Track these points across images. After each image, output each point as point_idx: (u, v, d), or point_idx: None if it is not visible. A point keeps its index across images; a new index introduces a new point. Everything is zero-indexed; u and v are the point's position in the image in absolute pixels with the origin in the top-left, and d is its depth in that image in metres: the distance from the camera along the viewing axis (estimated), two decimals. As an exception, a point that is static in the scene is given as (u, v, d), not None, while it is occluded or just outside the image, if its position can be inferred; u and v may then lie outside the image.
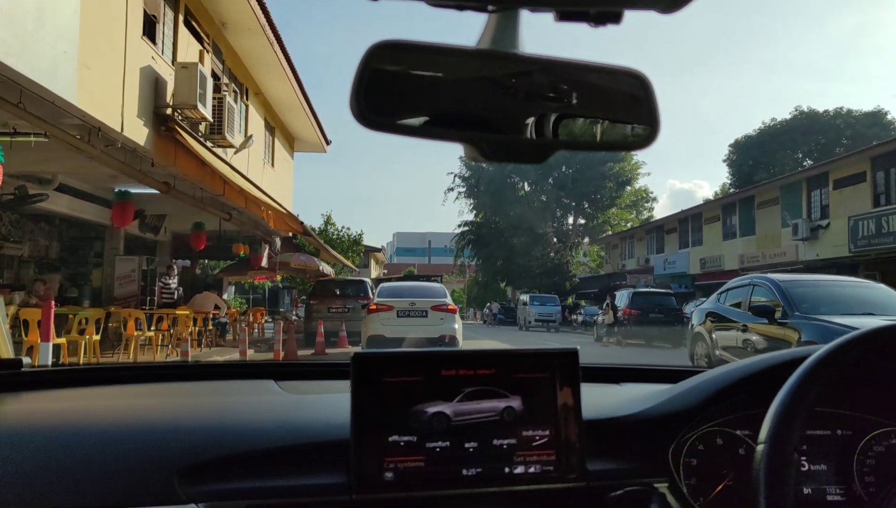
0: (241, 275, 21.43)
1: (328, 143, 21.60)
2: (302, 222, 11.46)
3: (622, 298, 20.86)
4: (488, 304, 46.10)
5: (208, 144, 10.98)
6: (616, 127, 0.79)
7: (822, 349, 0.96)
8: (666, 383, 1.42)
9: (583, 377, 1.15)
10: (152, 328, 10.92)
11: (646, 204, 49.44)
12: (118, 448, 1.02)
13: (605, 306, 22.39)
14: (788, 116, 42.25)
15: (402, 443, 1.05)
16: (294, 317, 18.78)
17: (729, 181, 45.18)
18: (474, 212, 49.33)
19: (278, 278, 25.14)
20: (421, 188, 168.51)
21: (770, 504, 0.84)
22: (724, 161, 46.99)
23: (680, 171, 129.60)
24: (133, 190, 12.45)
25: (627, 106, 0.76)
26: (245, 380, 1.54)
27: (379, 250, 49.61)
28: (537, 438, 1.10)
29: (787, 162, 39.49)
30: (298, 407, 1.26)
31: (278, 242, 18.99)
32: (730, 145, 45.40)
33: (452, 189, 49.65)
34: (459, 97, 0.71)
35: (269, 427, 1.12)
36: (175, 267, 14.85)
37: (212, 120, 10.44)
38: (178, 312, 11.78)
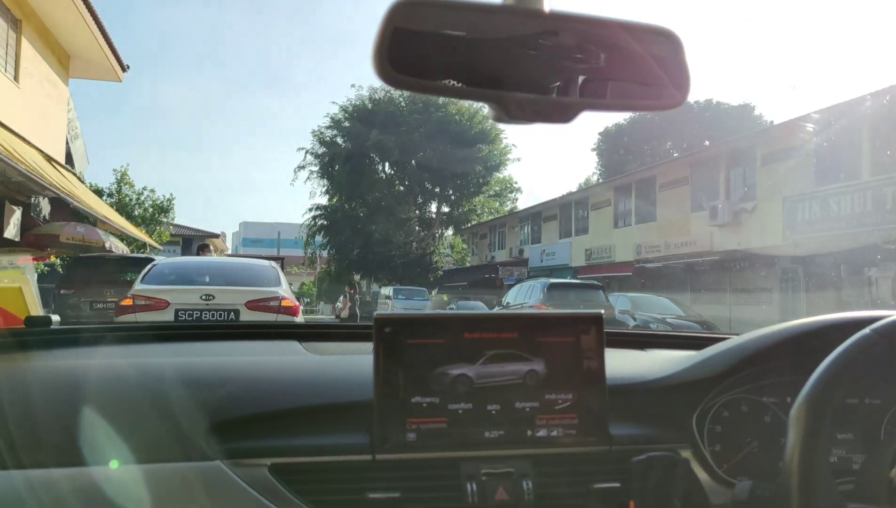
0: (-14, 253, 14.54)
1: (124, 68, 15.41)
2: None
3: (531, 291, 16.15)
4: (341, 298, 40.87)
5: None
6: (645, 86, 0.76)
7: (885, 319, 0.95)
8: (691, 349, 1.40)
9: (606, 342, 1.14)
10: None
11: (510, 194, 46.15)
12: (145, 406, 1.03)
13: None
14: (660, 106, 41.04)
15: (424, 404, 1.06)
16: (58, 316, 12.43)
17: (598, 172, 43.87)
18: (328, 195, 43.54)
19: (53, 258, 18.24)
20: (270, 175, 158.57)
21: (804, 474, 0.85)
22: (593, 150, 45.87)
23: (526, 171, 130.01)
24: None
25: (656, 65, 0.74)
26: (269, 341, 1.53)
27: (217, 236, 42.19)
28: (560, 401, 1.11)
29: (659, 152, 38.62)
30: (322, 368, 1.26)
31: (43, 205, 12.71)
32: (599, 134, 44.44)
33: (304, 167, 43.17)
34: (485, 55, 0.69)
35: (294, 387, 1.13)
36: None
37: None
38: None
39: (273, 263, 7.52)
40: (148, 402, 1.04)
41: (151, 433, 1.00)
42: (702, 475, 1.14)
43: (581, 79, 0.72)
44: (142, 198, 23.96)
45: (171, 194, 25.08)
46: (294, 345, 1.44)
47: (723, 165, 20.24)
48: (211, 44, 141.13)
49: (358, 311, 18.41)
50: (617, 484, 1.09)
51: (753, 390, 1.22)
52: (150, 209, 23.83)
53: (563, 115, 0.71)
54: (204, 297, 6.17)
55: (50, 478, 0.93)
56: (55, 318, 1.41)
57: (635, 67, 0.73)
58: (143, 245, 17.57)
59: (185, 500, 0.96)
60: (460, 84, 0.69)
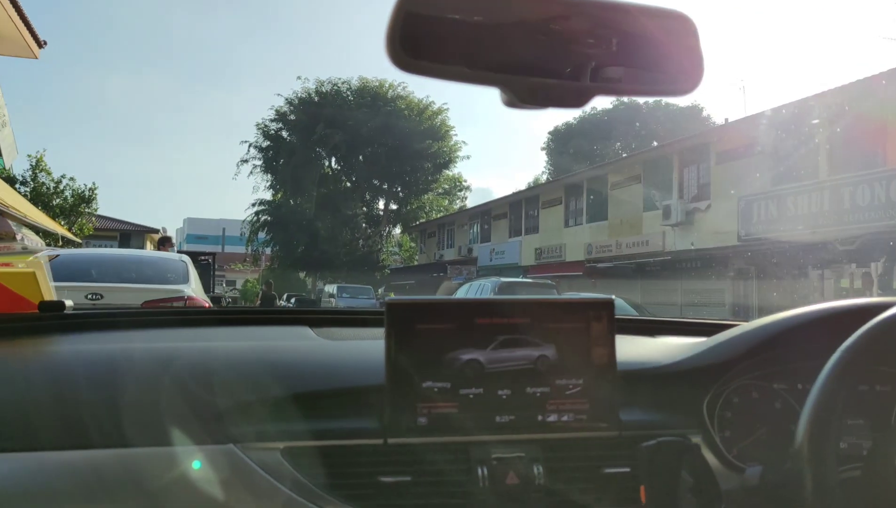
0: None
1: (41, 45, 14.15)
2: None
3: (481, 290, 15.31)
4: (285, 296, 39.56)
5: None
6: (659, 71, 0.75)
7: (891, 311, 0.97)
8: (700, 336, 1.41)
9: (617, 328, 1.15)
10: None
11: (459, 193, 45.50)
12: (158, 390, 1.04)
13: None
14: (610, 106, 41.31)
15: (435, 389, 1.07)
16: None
17: (547, 172, 43.77)
18: (272, 190, 42.08)
19: (-43, 252, 16.64)
20: (215, 170, 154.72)
21: (815, 461, 0.87)
22: (543, 149, 45.75)
23: (477, 169, 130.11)
24: None
25: (671, 49, 0.74)
26: (281, 326, 1.55)
27: (157, 232, 40.08)
28: (571, 387, 1.11)
29: (608, 152, 38.60)
30: (334, 353, 1.27)
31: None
32: (549, 133, 44.25)
33: (247, 161, 41.53)
34: (497, 40, 0.70)
35: (306, 371, 1.14)
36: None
37: None
38: None
39: (184, 257, 6.49)
40: (161, 386, 1.04)
41: (164, 417, 1.00)
42: (712, 460, 1.13)
43: (594, 63, 0.71)
44: (61, 187, 22.20)
45: (94, 183, 23.39)
46: (305, 330, 1.44)
47: (676, 164, 19.84)
48: (152, 32, 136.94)
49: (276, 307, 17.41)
50: (627, 469, 1.09)
51: (764, 376, 1.22)
52: (71, 199, 22.18)
53: (575, 100, 0.71)
54: (90, 296, 5.12)
55: (63, 460, 0.94)
56: (69, 303, 1.41)
57: (648, 52, 0.72)
58: (59, 240, 16.09)
59: (198, 483, 0.96)
60: (473, 69, 0.68)
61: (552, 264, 25.48)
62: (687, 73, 0.73)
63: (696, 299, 19.06)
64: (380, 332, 1.09)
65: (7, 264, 1.45)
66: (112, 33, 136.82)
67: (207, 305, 5.55)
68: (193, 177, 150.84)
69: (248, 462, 0.98)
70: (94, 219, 23.84)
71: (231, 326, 1.54)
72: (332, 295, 28.44)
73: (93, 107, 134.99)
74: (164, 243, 9.78)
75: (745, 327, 1.29)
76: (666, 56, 0.73)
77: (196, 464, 0.96)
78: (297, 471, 1.00)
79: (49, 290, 1.42)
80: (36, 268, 1.40)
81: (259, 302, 16.45)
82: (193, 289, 5.64)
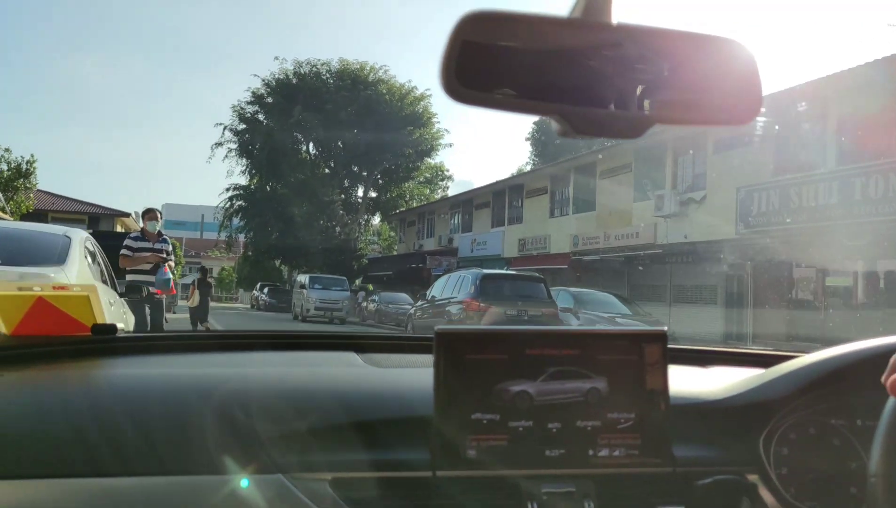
0: None
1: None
2: None
3: (461, 283, 13.97)
4: (258, 285, 38.14)
5: None
6: (715, 100, 0.74)
7: None
8: (754, 366, 1.40)
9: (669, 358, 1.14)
10: None
11: (440, 182, 44.26)
12: (205, 417, 1.04)
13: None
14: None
15: (484, 421, 1.06)
16: None
17: (531, 162, 42.75)
18: (248, 175, 40.53)
19: None
20: (194, 156, 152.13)
21: (889, 497, 0.86)
22: (527, 139, 44.71)
23: (460, 160, 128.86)
24: None
25: (727, 77, 0.73)
26: (327, 351, 1.54)
27: (128, 216, 38.22)
28: (622, 421, 1.09)
29: (594, 142, 37.61)
30: (382, 381, 1.26)
31: None
32: (534, 123, 43.04)
33: (221, 144, 39.86)
34: (551, 69, 0.70)
35: (353, 401, 1.13)
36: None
37: None
38: None
39: (71, 231, 5.00)
40: (208, 413, 1.04)
41: (211, 445, 1.00)
42: (769, 499, 1.11)
43: (647, 92, 0.70)
44: (-3, 159, 20.56)
45: (32, 156, 21.63)
46: (352, 356, 1.42)
47: (670, 153, 18.75)
48: (128, 13, 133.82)
49: (210, 301, 15.53)
50: (681, 507, 1.07)
51: (821, 412, 1.19)
52: (6, 172, 20.45)
53: (630, 130, 0.70)
54: None
55: (114, 487, 0.95)
56: (120, 326, 1.41)
57: (704, 81, 0.71)
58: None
59: None
60: (527, 99, 0.68)
61: (536, 255, 24.48)
62: (744, 102, 0.72)
63: (688, 294, 18.07)
64: (427, 359, 1.08)
65: (62, 288, 1.48)
66: (86, 14, 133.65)
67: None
68: (173, 162, 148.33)
69: (295, 493, 0.97)
70: (31, 196, 22.34)
71: (278, 350, 1.51)
72: (304, 285, 27.12)
73: (65, 88, 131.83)
74: (146, 215, 8.18)
75: (803, 360, 1.26)
76: (722, 85, 0.71)
77: (243, 493, 0.96)
78: (346, 503, 0.99)
79: (102, 313, 1.40)
80: (90, 292, 1.39)
81: (194, 290, 14.68)
82: (73, 273, 4.27)
